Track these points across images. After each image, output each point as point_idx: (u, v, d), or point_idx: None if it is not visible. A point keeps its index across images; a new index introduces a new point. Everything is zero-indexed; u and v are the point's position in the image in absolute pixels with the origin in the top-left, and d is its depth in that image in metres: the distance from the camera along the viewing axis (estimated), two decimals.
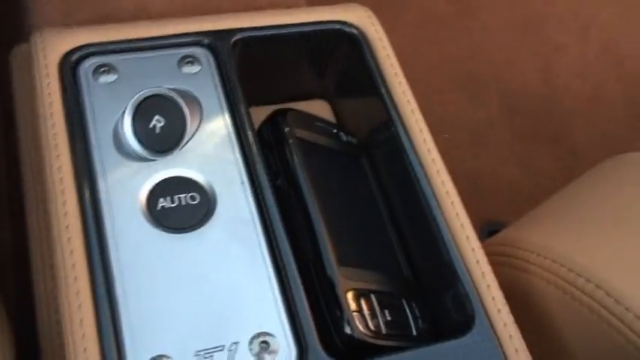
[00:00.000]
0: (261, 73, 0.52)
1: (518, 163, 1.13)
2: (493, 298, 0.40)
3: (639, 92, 1.24)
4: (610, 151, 0.62)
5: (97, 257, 0.37)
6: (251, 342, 0.36)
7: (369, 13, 0.51)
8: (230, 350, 0.36)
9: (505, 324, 0.40)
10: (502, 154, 1.15)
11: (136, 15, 0.54)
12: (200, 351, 0.35)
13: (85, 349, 0.34)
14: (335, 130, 0.50)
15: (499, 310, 0.40)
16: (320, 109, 0.56)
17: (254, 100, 0.50)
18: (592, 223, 0.48)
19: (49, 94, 0.42)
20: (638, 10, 1.35)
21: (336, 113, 0.56)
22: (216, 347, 0.36)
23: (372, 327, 0.39)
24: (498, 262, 0.49)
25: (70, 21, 0.52)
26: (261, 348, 0.36)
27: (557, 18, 1.31)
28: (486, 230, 0.94)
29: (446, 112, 1.15)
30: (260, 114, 0.48)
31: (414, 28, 1.23)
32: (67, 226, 0.38)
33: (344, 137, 0.50)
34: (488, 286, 0.41)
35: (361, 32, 0.50)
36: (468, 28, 1.26)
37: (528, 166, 1.14)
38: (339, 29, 0.50)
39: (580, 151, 1.16)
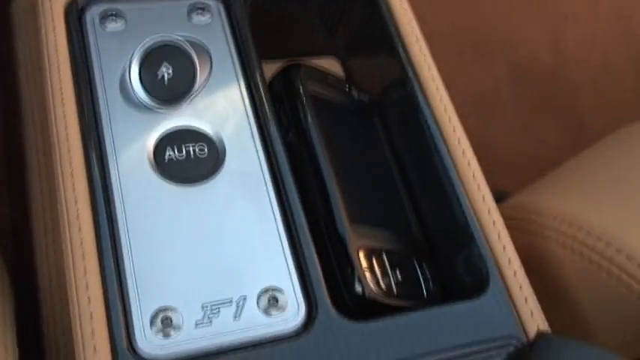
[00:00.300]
0: (272, 26, 0.50)
1: (524, 132, 1.12)
2: (509, 260, 0.39)
3: None
4: (618, 122, 0.61)
5: (102, 207, 0.36)
6: (259, 297, 0.35)
7: None
8: (238, 304, 0.35)
9: (521, 286, 0.39)
10: (507, 123, 1.13)
11: None
12: (207, 303, 0.35)
13: (88, 299, 0.33)
14: (347, 88, 0.49)
15: (515, 273, 0.39)
16: (330, 66, 0.54)
17: (263, 54, 0.48)
18: (610, 187, 0.47)
19: (55, 41, 0.41)
20: None
21: (346, 71, 0.55)
22: (224, 300, 0.35)
23: (383, 286, 0.38)
24: (512, 227, 0.48)
25: None
26: (270, 303, 0.35)
27: None
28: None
29: (452, 79, 1.13)
30: (268, 69, 0.46)
31: None
32: (71, 174, 0.36)
33: (356, 95, 0.49)
34: (504, 247, 0.40)
35: None
36: None
37: (534, 135, 1.12)
38: None
39: (587, 123, 1.14)
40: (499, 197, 0.76)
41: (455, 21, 1.20)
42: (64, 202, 0.36)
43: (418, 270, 0.42)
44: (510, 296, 0.38)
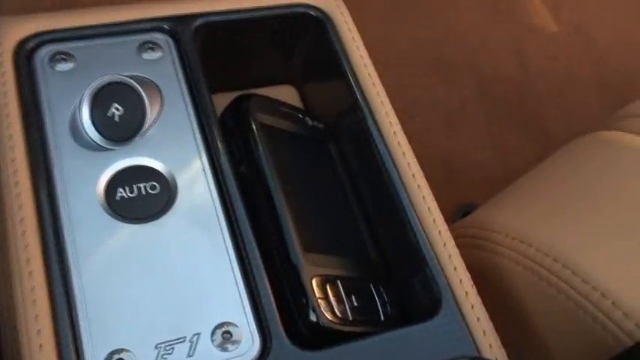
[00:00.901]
0: (225, 58, 0.51)
1: (492, 145, 1.14)
2: (460, 281, 0.40)
3: (611, 73, 1.25)
4: (583, 132, 0.62)
5: (53, 250, 0.36)
6: (213, 332, 0.36)
7: None
8: (192, 342, 0.35)
9: (472, 306, 0.39)
10: (476, 136, 1.15)
11: (97, 0, 0.52)
12: (161, 343, 0.35)
13: (40, 346, 0.33)
14: (301, 116, 0.49)
15: (466, 293, 0.40)
16: (287, 94, 0.55)
17: (219, 86, 0.49)
18: (558, 202, 0.48)
19: (4, 83, 0.41)
20: None
21: (302, 99, 0.55)
22: (178, 339, 0.35)
23: (338, 313, 0.39)
24: (467, 244, 0.49)
25: (28, 7, 0.50)
26: (224, 338, 0.35)
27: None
28: (460, 213, 0.94)
29: (419, 95, 1.15)
30: (226, 100, 0.47)
31: (386, 11, 1.22)
32: (21, 220, 0.37)
33: (310, 122, 0.49)
34: (455, 268, 0.40)
35: (326, 15, 0.49)
36: (439, 9, 1.26)
37: (502, 148, 1.14)
38: (304, 12, 0.49)
39: (553, 133, 1.16)
40: (468, 211, 0.77)
41: (420, 38, 1.21)
42: (14, 247, 0.36)
43: (375, 294, 0.42)
44: (463, 316, 0.39)
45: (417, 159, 0.45)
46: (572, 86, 1.22)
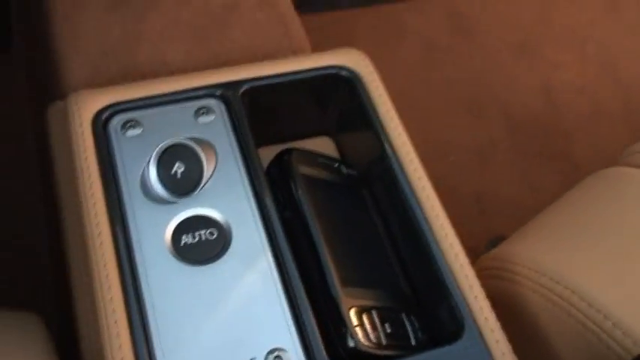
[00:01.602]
0: (269, 116, 0.57)
1: (522, 180, 1.18)
2: (481, 308, 0.45)
3: (637, 106, 1.29)
4: (612, 164, 0.67)
5: (131, 289, 0.43)
6: (266, 357, 0.42)
7: (363, 56, 0.57)
8: None
9: (492, 330, 0.45)
10: (507, 172, 1.19)
11: (157, 69, 0.60)
12: None
13: None
14: (336, 165, 0.56)
15: (486, 318, 0.45)
16: (324, 145, 0.62)
17: (264, 140, 0.56)
18: (569, 235, 0.53)
19: (84, 148, 0.49)
20: (632, 25, 1.39)
21: (338, 148, 0.62)
22: None
23: (373, 339, 0.44)
24: (490, 276, 0.54)
25: (99, 78, 0.58)
26: None
27: (554, 37, 1.36)
28: (492, 244, 0.98)
29: (450, 135, 1.20)
30: (270, 152, 0.54)
31: (415, 56, 1.28)
32: (104, 265, 0.44)
33: (345, 170, 0.56)
34: (475, 297, 0.46)
35: (356, 74, 0.56)
36: (467, 52, 1.31)
37: (533, 183, 1.18)
38: (336, 73, 0.56)
39: (583, 166, 1.20)
40: (497, 243, 0.81)
41: (450, 80, 1.27)
42: (99, 288, 0.43)
43: (406, 321, 0.48)
44: (483, 339, 0.44)
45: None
46: (600, 120, 1.26)
